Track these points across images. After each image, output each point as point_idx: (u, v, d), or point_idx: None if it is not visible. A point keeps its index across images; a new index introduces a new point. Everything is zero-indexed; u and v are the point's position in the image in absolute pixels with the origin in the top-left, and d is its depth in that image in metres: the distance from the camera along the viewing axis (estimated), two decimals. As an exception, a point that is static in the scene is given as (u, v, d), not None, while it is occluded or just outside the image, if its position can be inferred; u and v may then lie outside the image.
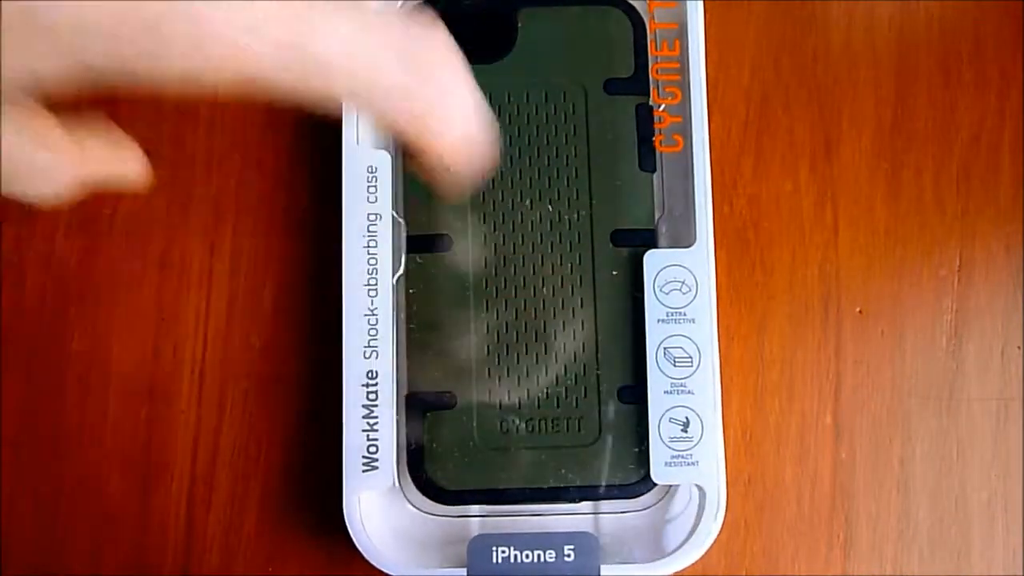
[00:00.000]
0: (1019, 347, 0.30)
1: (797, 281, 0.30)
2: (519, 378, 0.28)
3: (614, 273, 0.28)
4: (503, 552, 0.27)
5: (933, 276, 0.30)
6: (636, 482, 0.28)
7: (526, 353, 0.28)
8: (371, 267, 0.28)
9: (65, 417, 0.29)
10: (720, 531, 0.27)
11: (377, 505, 0.28)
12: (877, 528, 0.29)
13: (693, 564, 0.27)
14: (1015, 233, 0.31)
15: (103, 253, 0.30)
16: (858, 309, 0.30)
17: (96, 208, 0.30)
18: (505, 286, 0.28)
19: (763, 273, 0.30)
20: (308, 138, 0.31)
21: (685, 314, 0.28)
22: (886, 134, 0.31)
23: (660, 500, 0.28)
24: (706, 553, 0.27)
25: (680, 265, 0.28)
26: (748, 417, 0.30)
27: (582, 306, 0.28)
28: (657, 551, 0.28)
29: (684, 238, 0.29)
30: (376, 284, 0.28)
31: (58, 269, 0.30)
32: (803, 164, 0.31)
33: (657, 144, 0.29)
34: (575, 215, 0.29)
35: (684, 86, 0.29)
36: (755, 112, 0.31)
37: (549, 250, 0.29)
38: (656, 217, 0.29)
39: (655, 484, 0.28)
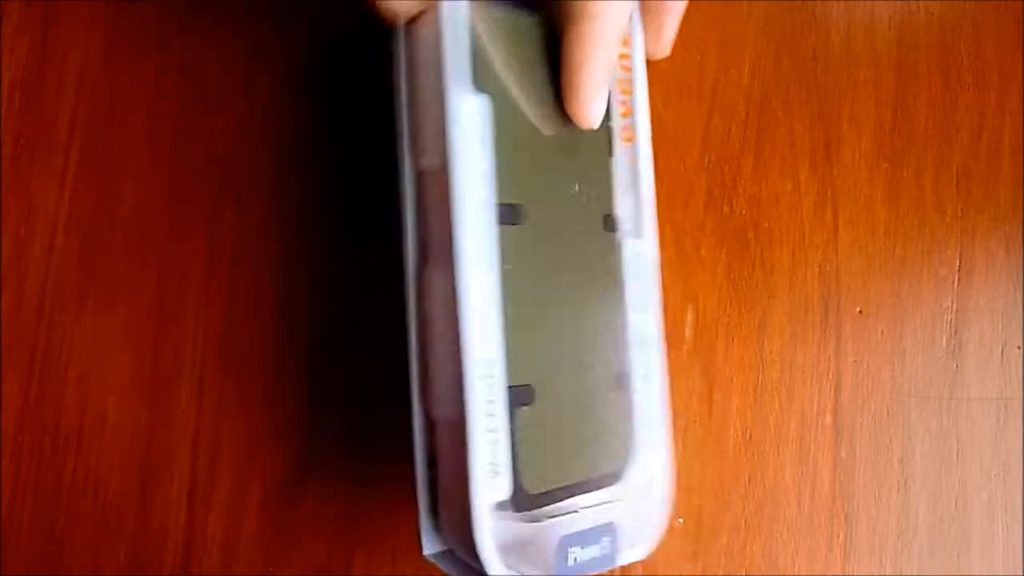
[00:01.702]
0: (1019, 347, 0.30)
1: (797, 281, 0.30)
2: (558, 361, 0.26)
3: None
4: (575, 552, 0.25)
5: (933, 276, 0.30)
6: (632, 469, 0.27)
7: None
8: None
9: (65, 417, 0.29)
10: (720, 531, 0.27)
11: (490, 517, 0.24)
12: (877, 528, 0.29)
13: (693, 564, 0.27)
14: (1015, 233, 0.31)
15: (103, 253, 0.30)
16: (858, 309, 0.30)
17: (96, 208, 0.30)
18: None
19: (763, 273, 0.30)
20: (308, 139, 0.31)
21: (643, 303, 0.27)
22: (886, 134, 0.31)
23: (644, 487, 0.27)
24: (706, 553, 0.27)
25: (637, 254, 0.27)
26: (748, 417, 0.30)
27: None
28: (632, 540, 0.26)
29: (640, 229, 0.27)
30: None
31: (58, 269, 0.30)
32: (803, 164, 0.31)
33: (621, 136, 0.28)
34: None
35: (634, 83, 0.28)
36: (755, 112, 0.31)
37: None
38: (618, 204, 0.28)
39: (645, 470, 0.27)
